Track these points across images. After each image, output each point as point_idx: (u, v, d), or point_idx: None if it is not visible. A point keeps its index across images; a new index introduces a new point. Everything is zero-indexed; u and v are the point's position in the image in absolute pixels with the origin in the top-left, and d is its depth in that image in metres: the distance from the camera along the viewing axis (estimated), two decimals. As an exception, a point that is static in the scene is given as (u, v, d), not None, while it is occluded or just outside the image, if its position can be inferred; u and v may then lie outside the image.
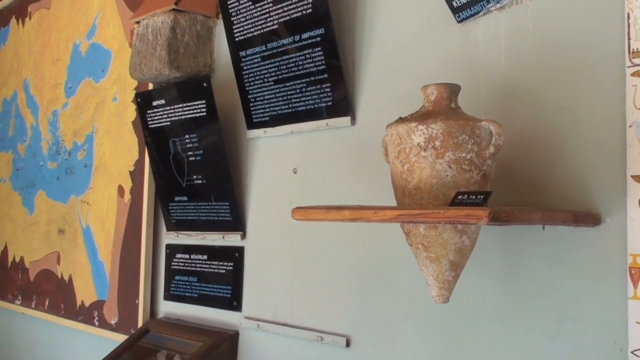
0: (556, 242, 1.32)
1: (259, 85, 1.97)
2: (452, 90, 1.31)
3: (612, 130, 1.25)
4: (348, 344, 1.71)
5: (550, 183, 1.33)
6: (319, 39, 1.77)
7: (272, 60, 1.91)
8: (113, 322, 2.54)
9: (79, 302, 2.76)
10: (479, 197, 1.12)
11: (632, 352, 1.19)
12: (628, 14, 1.22)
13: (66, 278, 2.87)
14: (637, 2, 1.21)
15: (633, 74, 1.21)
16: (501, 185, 1.38)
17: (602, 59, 1.28)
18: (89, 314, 2.69)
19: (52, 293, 2.97)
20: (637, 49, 1.21)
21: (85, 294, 2.73)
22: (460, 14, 1.51)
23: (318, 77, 1.80)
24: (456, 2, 1.51)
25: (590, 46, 1.30)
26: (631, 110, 1.21)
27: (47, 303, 3.00)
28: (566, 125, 1.32)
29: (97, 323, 2.63)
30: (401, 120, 1.30)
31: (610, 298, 1.23)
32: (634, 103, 1.21)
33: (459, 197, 1.14)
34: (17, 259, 3.30)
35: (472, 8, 1.49)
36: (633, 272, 1.19)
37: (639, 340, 1.18)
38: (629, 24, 1.22)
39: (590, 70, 1.30)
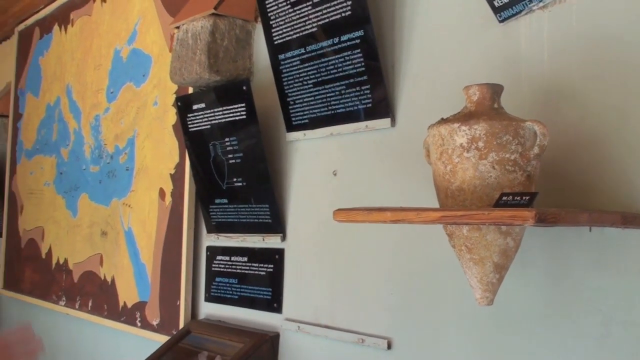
0: (603, 244, 1.29)
1: (298, 88, 1.98)
2: (495, 90, 1.30)
3: (661, 129, 1.23)
4: (389, 347, 1.71)
5: (597, 184, 1.31)
6: (358, 41, 1.77)
7: (311, 63, 1.92)
8: (155, 323, 2.57)
9: (121, 303, 2.81)
10: (524, 198, 1.10)
11: (684, 357, 1.16)
12: (677, 10, 1.20)
13: (109, 279, 2.92)
14: (686, -2, 1.18)
15: (683, 72, 1.19)
16: (546, 187, 1.36)
17: (650, 57, 1.25)
18: (131, 315, 2.73)
19: (95, 294, 3.02)
20: (687, 46, 1.18)
21: (127, 295, 2.77)
22: (502, 13, 1.49)
23: (357, 79, 1.80)
24: (497, 2, 1.49)
25: (638, 43, 1.27)
26: (681, 108, 1.18)
27: (90, 304, 3.06)
28: (613, 125, 1.30)
29: (139, 324, 2.67)
30: (443, 121, 1.30)
31: (661, 301, 1.21)
32: (684, 101, 1.18)
33: (504, 198, 1.13)
34: (61, 261, 3.38)
35: (514, 7, 1.47)
36: (684, 274, 1.16)
37: (691, 345, 1.15)
38: (678, 21, 1.19)
39: (638, 67, 1.27)
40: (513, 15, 1.48)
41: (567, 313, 1.35)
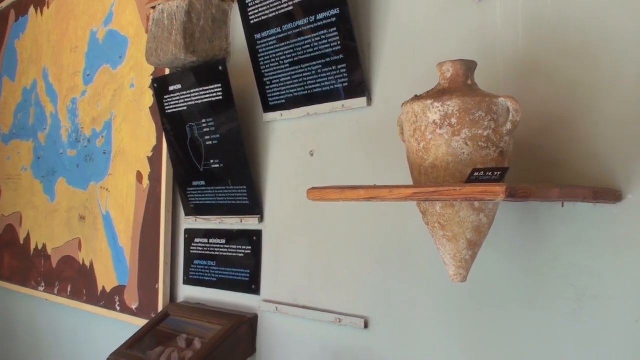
0: (576, 220, 1.30)
1: (275, 68, 1.96)
2: (469, 66, 1.30)
3: (632, 106, 1.23)
4: (367, 325, 1.71)
5: (570, 160, 1.32)
6: (334, 19, 1.76)
7: (288, 43, 1.90)
8: (134, 307, 2.56)
9: (100, 288, 2.80)
10: (495, 173, 1.11)
11: (653, 330, 1.17)
12: (649, -15, 1.20)
13: (87, 264, 2.90)
14: (658, -28, 1.18)
15: (654, 47, 1.19)
16: (519, 163, 1.36)
17: (625, 34, 1.25)
18: (110, 300, 2.72)
19: (74, 279, 3.01)
20: (658, 20, 1.18)
21: (106, 279, 2.76)
22: (477, -10, 1.49)
23: (334, 58, 1.79)
24: (472, -22, 1.49)
25: (611, 22, 1.28)
26: (652, 84, 1.19)
27: (69, 289, 3.04)
28: (585, 102, 1.30)
29: (118, 308, 2.66)
30: (417, 98, 1.29)
31: (631, 275, 1.22)
32: (655, 76, 1.18)
33: (475, 174, 1.13)
34: (40, 246, 3.35)
35: (488, -16, 1.47)
36: (654, 248, 1.17)
37: (660, 318, 1.16)
38: (649, -4, 1.20)
39: (612, 45, 1.27)
40: (488, -8, 1.47)
41: (541, 289, 1.36)
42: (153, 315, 2.42)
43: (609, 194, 1.22)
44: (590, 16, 1.31)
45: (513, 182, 1.27)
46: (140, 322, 2.46)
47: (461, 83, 1.29)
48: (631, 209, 1.22)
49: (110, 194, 2.76)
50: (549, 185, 1.18)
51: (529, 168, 1.38)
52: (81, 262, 2.96)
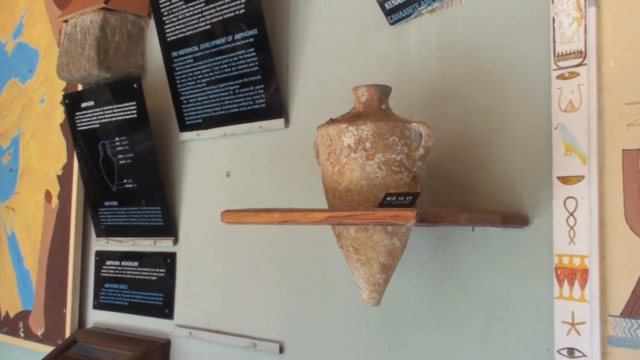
0: (485, 244, 1.33)
1: (192, 87, 1.93)
2: (383, 91, 1.31)
3: (538, 132, 1.27)
4: (282, 350, 1.69)
5: (480, 185, 1.35)
6: (252, 39, 1.75)
7: (205, 61, 1.88)
8: (39, 333, 2.45)
9: (3, 313, 2.66)
10: (407, 198, 1.12)
11: (557, 352, 1.21)
12: (553, 18, 1.25)
13: (-10, 288, 2.75)
14: (561, 6, 1.24)
15: (558, 77, 1.24)
16: (432, 187, 1.39)
17: (530, 62, 1.30)
18: (14, 325, 2.58)
19: (-25, 304, 2.84)
20: (562, 52, 1.23)
21: (10, 304, 2.62)
22: (393, 16, 1.52)
23: (251, 78, 1.78)
24: (388, 4, 1.52)
25: (518, 49, 1.32)
26: (556, 112, 1.23)
27: (-31, 315, 2.87)
28: (495, 128, 1.34)
29: (22, 334, 2.53)
30: (332, 121, 1.30)
31: (538, 298, 1.25)
32: (559, 105, 1.23)
33: (388, 198, 1.14)
34: (-62, 269, 3.15)
35: (403, 10, 1.50)
36: (559, 272, 1.21)
37: (564, 339, 1.20)
38: (554, 28, 1.25)
39: (518, 73, 1.32)
40: (403, 18, 1.50)
41: (452, 312, 1.38)
42: (60, 342, 2.32)
43: (517, 219, 1.26)
44: (500, 45, 1.35)
45: (425, 206, 1.30)
46: (46, 349, 2.35)
47: (375, 107, 1.30)
48: (537, 233, 1.26)
49: (17, 213, 2.64)
50: (459, 210, 1.20)
51: (442, 192, 1.40)
52: (-17, 286, 2.80)
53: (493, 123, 1.35)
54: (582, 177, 1.19)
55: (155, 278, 2.09)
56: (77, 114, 2.23)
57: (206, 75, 1.89)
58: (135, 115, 2.04)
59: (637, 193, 1.14)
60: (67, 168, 2.40)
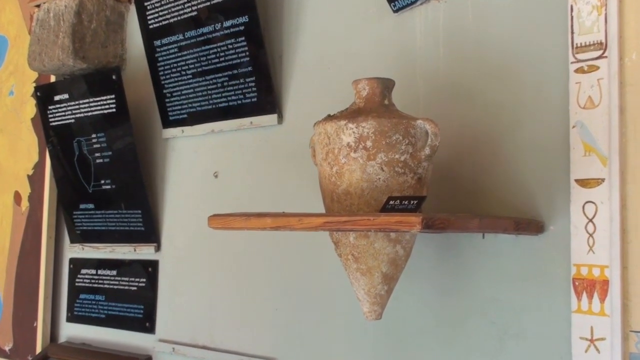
0: (497, 252, 1.34)
1: (176, 79, 1.94)
2: (386, 85, 1.32)
3: (555, 130, 1.28)
4: (274, 368, 1.70)
5: (491, 188, 1.36)
6: (242, 27, 1.76)
7: (191, 51, 1.89)
8: (7, 348, 2.46)
9: (-33, 326, 2.66)
10: (412, 202, 1.13)
11: (575, 370, 1.22)
12: (571, 6, 1.26)
13: (-47, 299, 2.76)
14: (580, -7, 1.25)
15: (577, 71, 1.25)
16: (439, 190, 1.39)
17: (546, 55, 1.31)
18: (-21, 340, 2.59)
19: (-63, 316, 2.85)
20: (581, 43, 1.24)
21: (-25, 316, 2.63)
22: (396, 2, 1.53)
23: (242, 70, 1.78)
24: (392, -10, 1.53)
25: (533, 40, 1.33)
26: (575, 109, 1.24)
27: None
28: (508, 125, 1.35)
29: (-12, 350, 2.54)
30: (330, 118, 1.31)
31: (554, 312, 1.26)
32: (577, 102, 1.24)
33: (391, 202, 1.15)
34: None
35: (408, -4, 1.51)
36: (577, 283, 1.22)
37: (582, 357, 1.21)
38: (572, 17, 1.26)
39: (533, 66, 1.33)
40: (408, 4, 1.51)
41: (461, 327, 1.39)
42: (30, 358, 2.33)
43: (531, 225, 1.27)
44: (513, 35, 1.36)
45: (431, 211, 1.31)
46: (14, 366, 2.36)
47: (378, 103, 1.31)
48: (553, 241, 1.27)
49: (-17, 217, 2.64)
50: (469, 216, 1.21)
51: (449, 196, 1.41)
52: (-55, 297, 2.80)
53: (505, 120, 1.36)
54: (602, 180, 1.20)
55: (135, 288, 2.09)
56: (50, 107, 2.24)
57: (192, 66, 1.89)
58: (113, 110, 2.05)
59: (662, 198, 1.15)
60: (39, 167, 2.40)
